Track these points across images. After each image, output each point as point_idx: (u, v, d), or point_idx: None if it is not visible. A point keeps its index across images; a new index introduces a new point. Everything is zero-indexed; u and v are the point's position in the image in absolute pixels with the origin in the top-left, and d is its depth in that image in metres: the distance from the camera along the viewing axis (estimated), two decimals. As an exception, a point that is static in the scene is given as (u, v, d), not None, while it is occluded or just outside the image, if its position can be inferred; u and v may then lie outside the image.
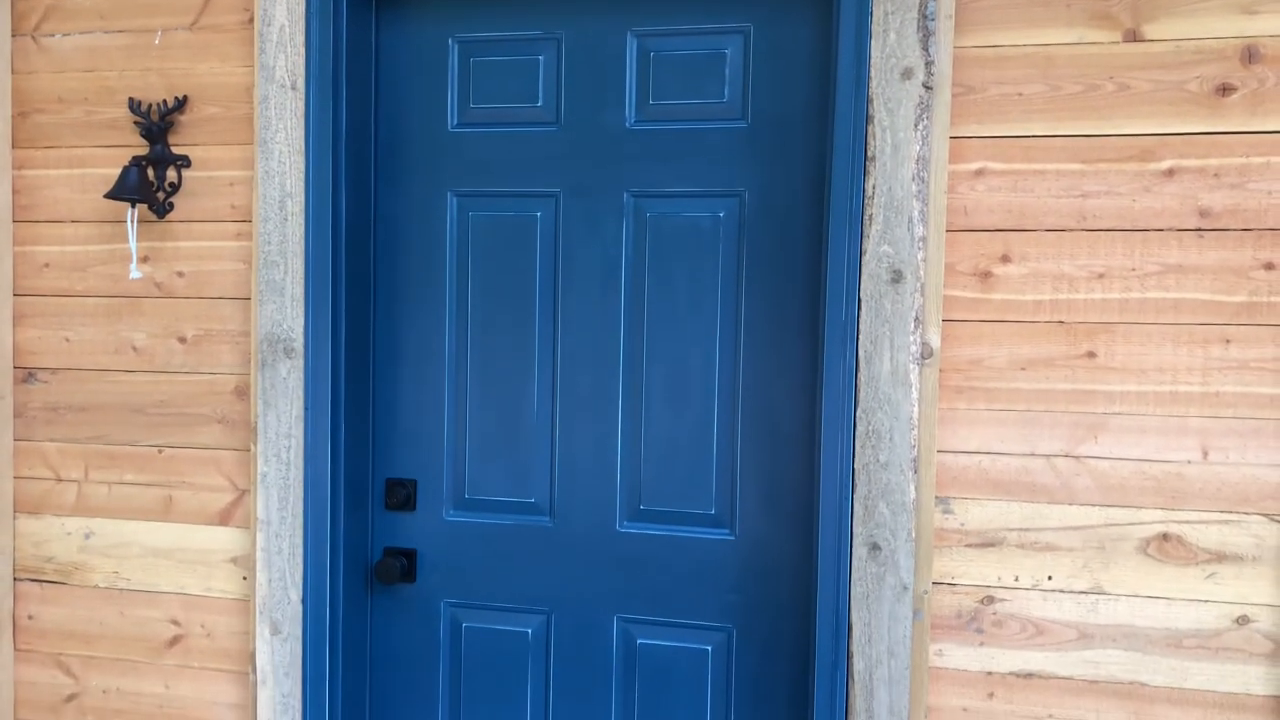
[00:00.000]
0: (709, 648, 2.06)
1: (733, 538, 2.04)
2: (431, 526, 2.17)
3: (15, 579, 2.30)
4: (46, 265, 2.25)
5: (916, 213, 1.79)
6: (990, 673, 1.86)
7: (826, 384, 1.84)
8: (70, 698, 2.28)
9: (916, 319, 1.81)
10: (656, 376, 2.06)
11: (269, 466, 2.08)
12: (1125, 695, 1.82)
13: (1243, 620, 1.77)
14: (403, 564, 2.15)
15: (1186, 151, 1.76)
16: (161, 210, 2.16)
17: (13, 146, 2.24)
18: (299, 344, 2.05)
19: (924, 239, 1.80)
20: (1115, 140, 1.78)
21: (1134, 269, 1.79)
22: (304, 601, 2.07)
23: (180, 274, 2.18)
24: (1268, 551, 1.76)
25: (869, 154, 1.81)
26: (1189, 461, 1.78)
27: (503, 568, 2.14)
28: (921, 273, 1.80)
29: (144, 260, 2.18)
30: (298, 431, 2.06)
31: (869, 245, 1.81)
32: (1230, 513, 1.77)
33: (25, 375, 2.27)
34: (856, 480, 1.84)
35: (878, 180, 1.81)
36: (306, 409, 2.05)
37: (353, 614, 2.15)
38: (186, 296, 2.18)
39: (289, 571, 2.08)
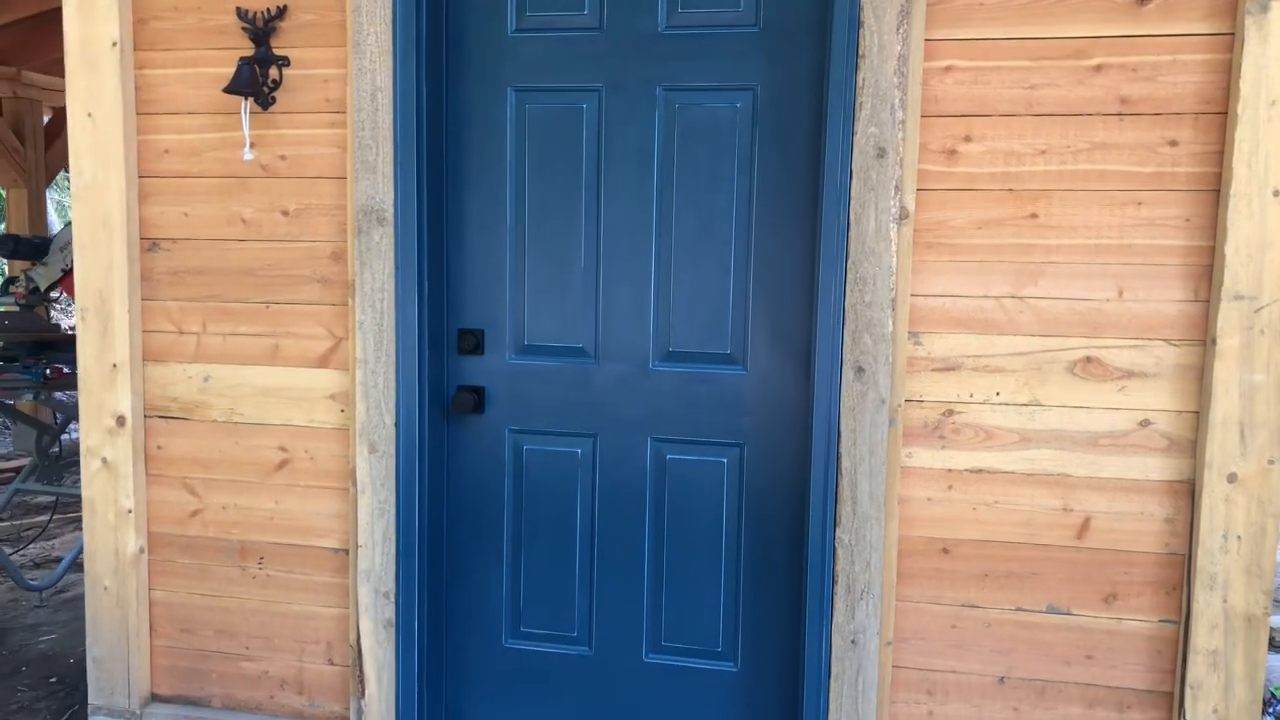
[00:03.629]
0: (725, 460, 2.55)
1: (745, 372, 2.52)
2: (497, 367, 2.64)
3: (146, 416, 2.75)
4: (166, 151, 2.66)
5: (897, 100, 2.24)
6: (949, 469, 2.36)
7: (824, 240, 2.30)
8: (195, 513, 2.76)
9: (896, 187, 2.27)
10: (683, 241, 2.51)
11: (365, 315, 2.53)
12: (1054, 484, 2.32)
13: (1145, 423, 2.27)
14: (474, 398, 2.62)
15: (1112, 50, 2.20)
16: (266, 103, 2.57)
17: (135, 49, 2.64)
18: (389, 214, 2.49)
19: (903, 122, 2.25)
20: (1056, 42, 2.22)
21: (1069, 146, 2.24)
22: (397, 425, 2.55)
23: (282, 157, 2.60)
24: (1166, 369, 2.25)
25: (860, 53, 2.25)
26: (1108, 300, 2.26)
27: (556, 401, 2.62)
28: (901, 149, 2.25)
29: (252, 146, 2.60)
30: (389, 286, 2.51)
31: (859, 127, 2.26)
32: (1138, 339, 2.26)
33: (150, 245, 2.70)
34: (846, 317, 2.31)
35: (866, 74, 2.24)
36: (396, 268, 2.50)
37: (435, 437, 2.63)
38: (288, 176, 2.60)
39: (384, 401, 2.54)
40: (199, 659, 2.81)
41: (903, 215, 2.28)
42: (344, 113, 2.54)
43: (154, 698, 2.85)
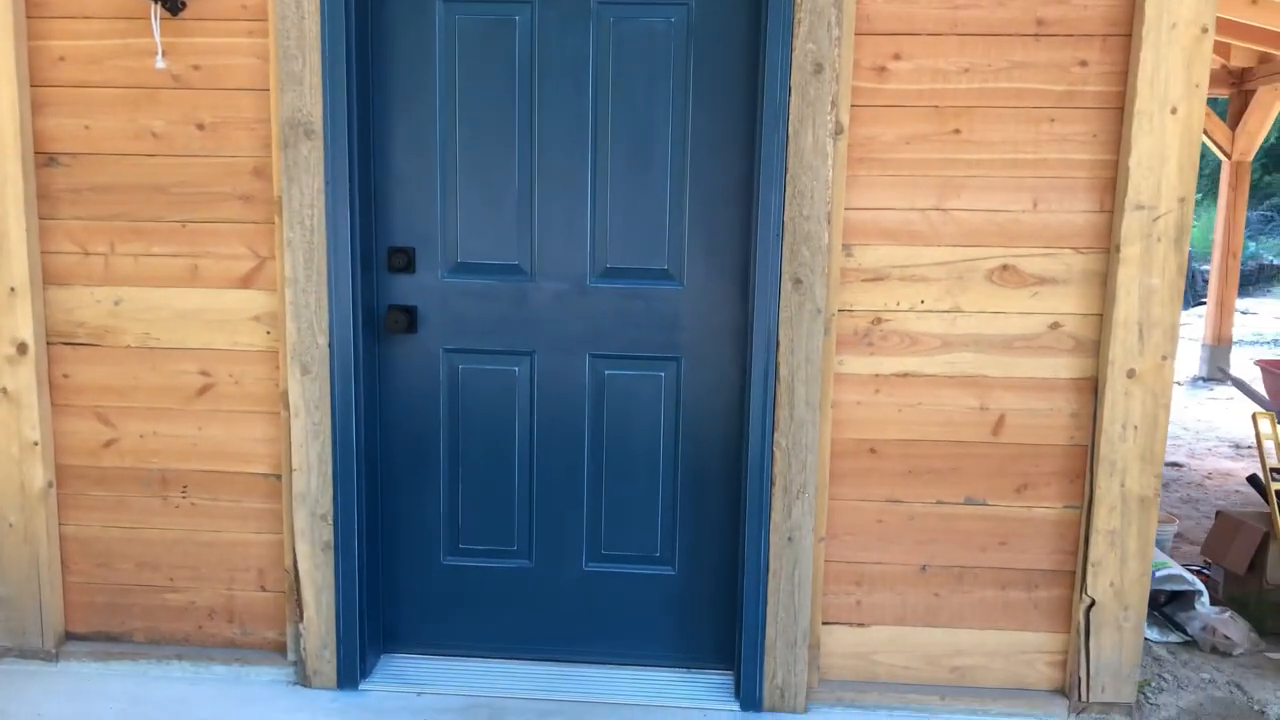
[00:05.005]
0: (662, 374, 2.62)
1: (681, 288, 2.58)
2: (429, 286, 2.61)
3: (49, 343, 2.60)
4: (62, 59, 2.49)
5: (834, 18, 2.31)
6: (877, 374, 2.50)
7: (763, 155, 2.37)
8: (109, 443, 2.64)
9: (833, 102, 2.35)
10: (619, 156, 2.53)
11: (294, 233, 2.45)
12: (973, 385, 2.49)
13: (1055, 326, 2.46)
14: (407, 318, 2.59)
15: (1031, -27, 2.33)
16: (175, 8, 2.43)
17: (22, -55, 2.43)
18: (318, 127, 2.40)
19: (839, 39, 2.32)
20: (980, -37, 2.33)
21: (990, 65, 2.37)
22: (330, 346, 2.49)
23: (196, 67, 2.47)
24: (1075, 275, 2.43)
25: (798, -31, 2.30)
26: (1023, 211, 2.42)
27: (492, 320, 2.61)
28: (837, 65, 2.33)
29: (163, 55, 2.45)
30: (319, 202, 2.44)
31: (797, 44, 2.32)
32: (1050, 248, 2.43)
33: (47, 160, 2.53)
34: (785, 230, 2.39)
35: (804, -9, 2.30)
36: (327, 182, 2.43)
37: (368, 358, 2.59)
38: (203, 88, 2.48)
39: (315, 321, 2.48)
40: (119, 593, 2.71)
41: (838, 130, 2.37)
42: (264, 20, 2.43)
43: (70, 636, 2.73)
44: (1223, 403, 7.51)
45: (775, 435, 2.46)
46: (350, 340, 2.50)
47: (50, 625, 2.67)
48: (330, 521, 2.55)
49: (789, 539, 2.50)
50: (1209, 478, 5.52)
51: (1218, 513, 3.69)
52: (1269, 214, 16.57)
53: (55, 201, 2.54)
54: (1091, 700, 2.53)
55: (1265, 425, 3.59)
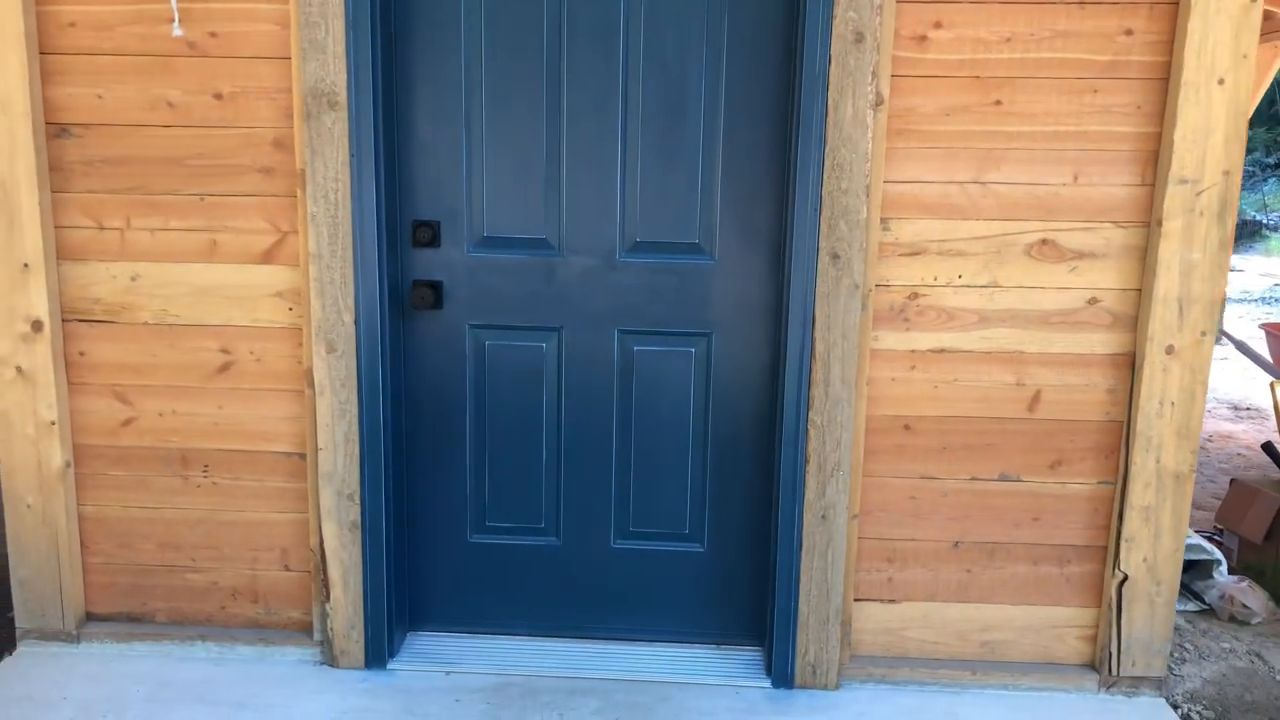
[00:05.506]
0: (692, 349, 2.58)
1: (713, 261, 2.53)
2: (455, 261, 2.55)
3: (64, 320, 2.53)
4: (72, 24, 2.39)
5: (876, -16, 2.24)
6: (913, 350, 2.47)
7: (801, 126, 2.31)
8: (127, 421, 2.58)
9: (873, 73, 2.29)
10: (650, 127, 2.47)
11: (318, 207, 2.38)
12: (1009, 360, 2.46)
13: (1093, 301, 2.42)
14: (432, 294, 2.53)
15: (1078, -61, 2.26)
16: (190, -28, 2.33)
17: (28, -95, 2.33)
18: (343, 97, 2.33)
19: (880, 6, 2.25)
20: (1026, -71, 2.26)
21: (1032, 34, 2.31)
22: (357, 323, 2.44)
23: (213, 35, 2.38)
24: (1114, 250, 2.40)
25: (839, -66, 2.23)
26: (1064, 184, 2.37)
27: (518, 295, 2.56)
28: (878, 34, 2.27)
29: (180, 21, 2.36)
30: (344, 176, 2.36)
31: (838, 11, 2.25)
32: (1090, 222, 2.39)
33: (58, 131, 2.44)
34: (823, 204, 2.34)
35: (845, -43, 2.23)
36: (352, 155, 2.35)
37: (395, 334, 2.53)
38: (220, 56, 2.39)
39: (341, 298, 2.42)
40: (140, 574, 2.67)
41: (878, 101, 2.31)
42: (284, -15, 2.34)
43: (90, 617, 2.69)
44: (1218, 363, 7.54)
45: (810, 413, 2.43)
46: (376, 318, 2.44)
47: (71, 606, 2.63)
48: (358, 501, 2.51)
49: (823, 517, 2.47)
50: (1210, 440, 5.54)
51: (1232, 480, 3.70)
52: (1250, 169, 16.58)
53: (68, 174, 2.46)
54: (1122, 674, 2.54)
55: (1283, 394, 3.59)
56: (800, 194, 2.34)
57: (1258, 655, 3.00)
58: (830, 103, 2.29)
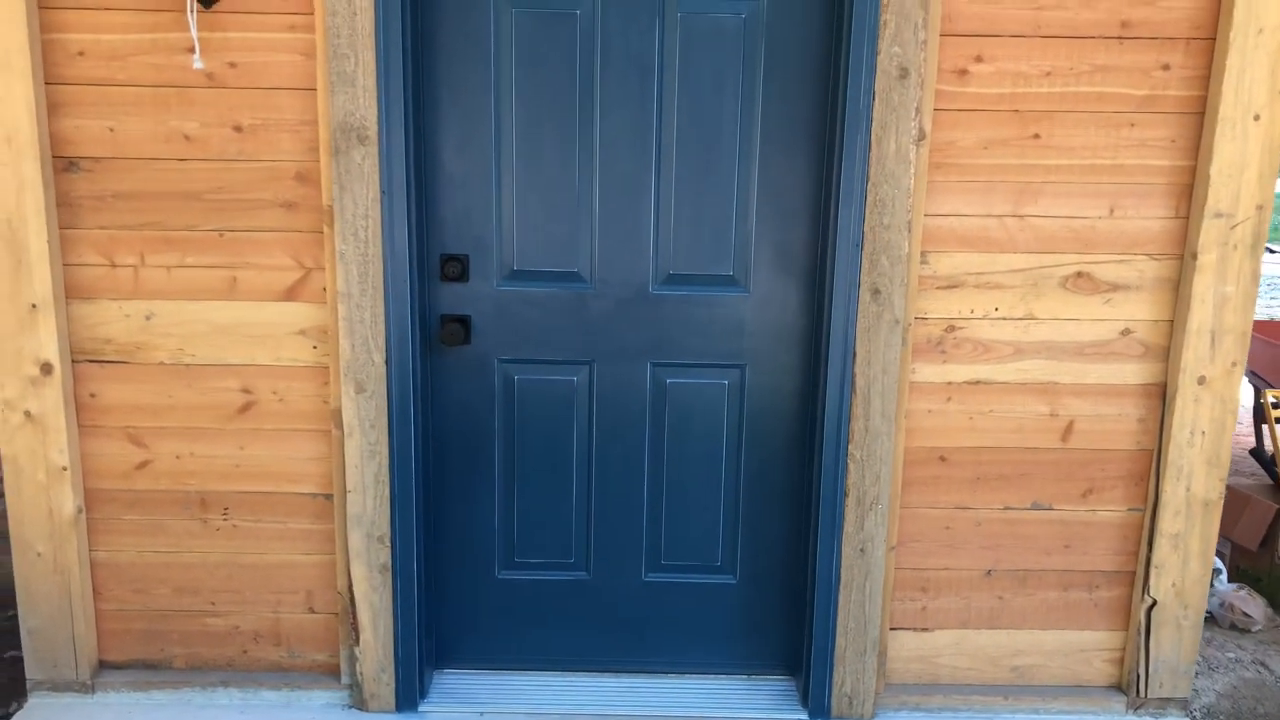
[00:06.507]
0: (726, 382, 2.55)
1: (747, 294, 2.50)
2: (483, 295, 2.48)
3: (74, 361, 2.42)
4: (80, 54, 2.27)
5: (921, 20, 2.21)
6: (949, 382, 2.47)
7: (843, 161, 2.28)
8: (142, 464, 2.48)
9: (917, 109, 2.26)
10: (684, 159, 2.42)
11: (346, 245, 2.30)
12: (1043, 391, 2.47)
13: (1126, 332, 2.44)
14: (463, 330, 2.46)
15: (1119, -25, 2.26)
16: (208, 0, 2.23)
17: (33, -72, 2.20)
18: (373, 132, 2.24)
19: (924, 42, 2.23)
20: (1068, -37, 2.25)
21: (1071, 68, 2.31)
22: (388, 363, 2.36)
23: (232, 65, 2.28)
24: (1147, 281, 2.41)
25: (884, -32, 2.20)
26: (1099, 217, 2.38)
27: (549, 329, 2.51)
28: (922, 70, 2.24)
29: (192, 50, 2.26)
30: (374, 212, 2.28)
31: (883, 46, 2.23)
32: (1124, 254, 2.40)
33: (66, 164, 2.32)
34: (865, 239, 2.32)
35: (890, -9, 2.20)
36: (383, 192, 2.27)
37: (424, 371, 2.47)
38: (240, 87, 2.29)
39: (371, 338, 2.35)
40: (156, 620, 2.57)
41: (920, 136, 2.29)
42: (309, 14, 2.24)
43: (105, 665, 2.60)
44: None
45: (850, 447, 2.42)
46: (408, 357, 2.37)
47: (84, 655, 2.53)
48: (388, 544, 2.45)
49: (861, 550, 2.47)
50: (1182, 436, 5.65)
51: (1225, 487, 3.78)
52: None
53: (77, 210, 2.34)
54: (1150, 696, 2.58)
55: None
56: (841, 229, 2.32)
57: (1263, 665, 3.07)
58: (874, 138, 2.27)
